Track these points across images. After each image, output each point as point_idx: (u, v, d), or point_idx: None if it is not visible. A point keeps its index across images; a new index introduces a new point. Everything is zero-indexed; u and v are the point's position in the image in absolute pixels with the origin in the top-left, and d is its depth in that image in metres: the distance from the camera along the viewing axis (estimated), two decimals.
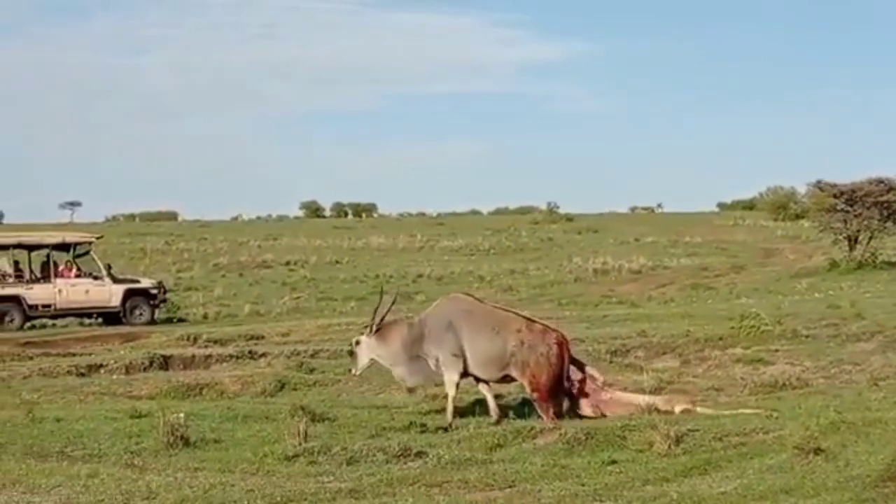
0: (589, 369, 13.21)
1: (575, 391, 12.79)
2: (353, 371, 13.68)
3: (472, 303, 13.23)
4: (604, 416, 12.58)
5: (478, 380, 12.88)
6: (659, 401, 12.83)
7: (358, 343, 13.39)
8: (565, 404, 12.79)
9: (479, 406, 13.14)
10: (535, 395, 12.49)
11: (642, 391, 13.90)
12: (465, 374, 12.74)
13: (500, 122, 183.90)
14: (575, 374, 12.84)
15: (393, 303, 13.46)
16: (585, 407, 12.76)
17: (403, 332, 13.03)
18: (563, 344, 12.74)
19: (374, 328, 13.12)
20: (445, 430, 12.09)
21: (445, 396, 12.78)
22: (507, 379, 12.93)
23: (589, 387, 12.91)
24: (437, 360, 12.79)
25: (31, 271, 28.31)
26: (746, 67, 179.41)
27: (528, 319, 13.14)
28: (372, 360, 13.27)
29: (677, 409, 12.64)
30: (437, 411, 13.03)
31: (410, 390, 14.10)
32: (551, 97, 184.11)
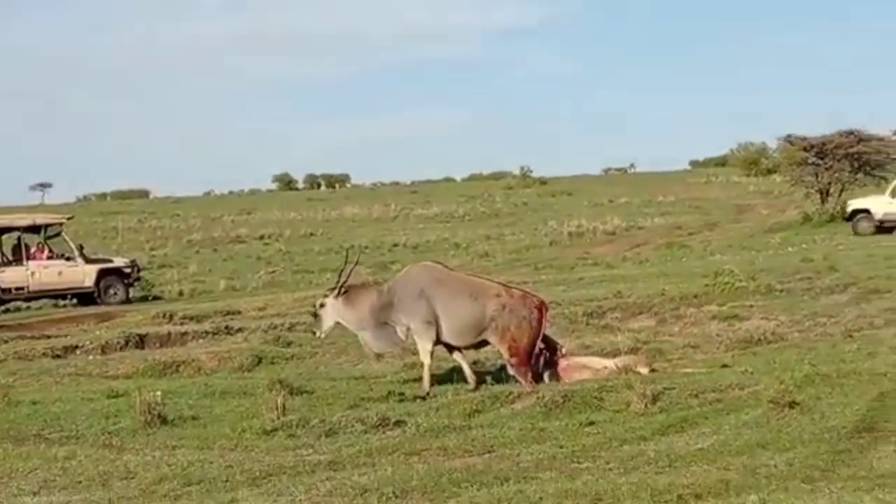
0: (552, 337, 13.18)
1: (546, 360, 12.74)
2: (318, 334, 13.52)
3: (442, 271, 13.18)
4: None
5: (449, 348, 12.86)
6: (616, 364, 12.78)
7: (323, 305, 13.20)
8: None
9: (457, 373, 13.14)
10: (514, 360, 12.44)
11: (600, 355, 13.92)
12: (437, 342, 12.73)
13: (472, 88, 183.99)
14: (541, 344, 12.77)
15: (355, 264, 13.36)
16: (548, 376, 12.67)
17: (372, 298, 12.90)
18: (542, 308, 12.73)
19: (340, 290, 13.06)
20: (423, 398, 12.08)
21: (420, 365, 12.76)
22: (480, 345, 12.94)
23: (551, 356, 12.86)
24: (408, 329, 12.72)
25: (3, 254, 28.14)
26: (715, 26, 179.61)
27: (504, 285, 13.14)
28: (337, 322, 13.14)
29: (642, 370, 12.59)
30: (415, 380, 13.00)
31: (376, 356, 14.03)
32: (522, 61, 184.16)
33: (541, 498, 7.41)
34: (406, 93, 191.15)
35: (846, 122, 58.94)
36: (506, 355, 12.59)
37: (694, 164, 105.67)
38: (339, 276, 13.16)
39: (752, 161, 76.02)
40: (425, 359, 12.63)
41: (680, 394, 10.70)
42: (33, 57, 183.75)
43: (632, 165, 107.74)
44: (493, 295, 12.64)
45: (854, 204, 36.89)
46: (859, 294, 18.93)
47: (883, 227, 35.08)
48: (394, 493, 7.83)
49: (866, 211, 35.99)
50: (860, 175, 41.57)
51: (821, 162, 41.47)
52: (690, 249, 35.92)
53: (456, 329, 12.63)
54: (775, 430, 9.13)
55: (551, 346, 12.87)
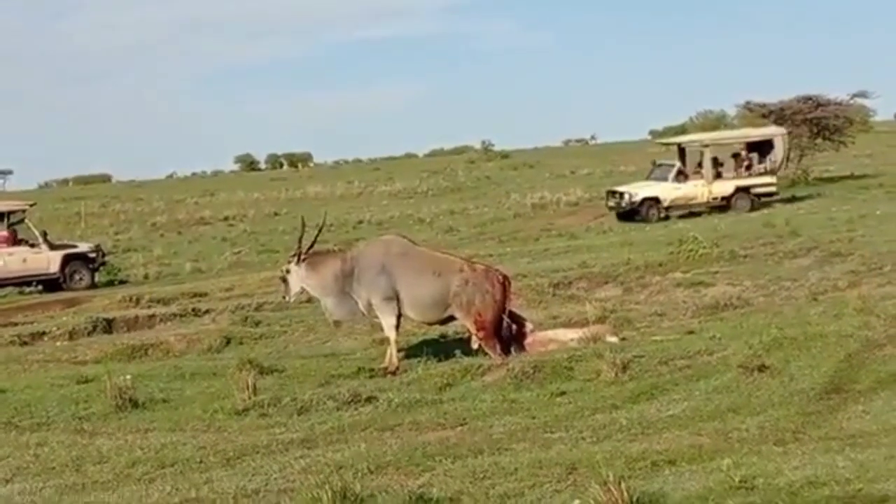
0: (519, 313, 13.20)
1: (513, 333, 12.73)
2: (286, 298, 13.49)
3: (406, 244, 13.14)
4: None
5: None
6: (580, 334, 12.81)
7: (288, 272, 13.24)
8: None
9: (426, 347, 13.18)
10: (482, 333, 12.43)
11: (567, 325, 13.98)
12: (399, 315, 12.68)
13: (430, 63, 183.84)
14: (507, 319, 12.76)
15: (319, 232, 13.41)
16: (515, 349, 12.66)
17: (336, 266, 12.88)
18: (506, 283, 12.74)
19: (300, 257, 13.02)
20: (394, 374, 12.09)
21: (387, 341, 12.74)
22: (446, 321, 12.95)
23: (519, 329, 12.87)
24: (369, 304, 12.70)
25: None
26: None
27: (467, 260, 13.14)
28: (303, 288, 13.16)
29: (610, 340, 12.61)
30: (383, 356, 13.02)
31: (336, 324, 13.98)
32: (480, 35, 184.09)
33: (516, 469, 7.46)
34: (366, 70, 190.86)
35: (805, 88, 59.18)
36: (472, 329, 12.57)
37: (654, 133, 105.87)
38: (298, 242, 13.15)
39: (712, 128, 76.19)
40: (390, 333, 12.61)
41: (649, 361, 10.77)
42: None
43: (592, 137, 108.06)
44: (457, 270, 12.62)
45: (642, 192, 34.46)
46: (822, 257, 19.11)
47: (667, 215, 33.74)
48: (368, 468, 7.86)
49: (655, 199, 33.97)
50: (819, 140, 41.72)
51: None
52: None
53: (419, 305, 12.60)
54: (745, 394, 9.23)
55: (518, 321, 12.88)
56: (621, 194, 34.83)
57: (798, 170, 40.82)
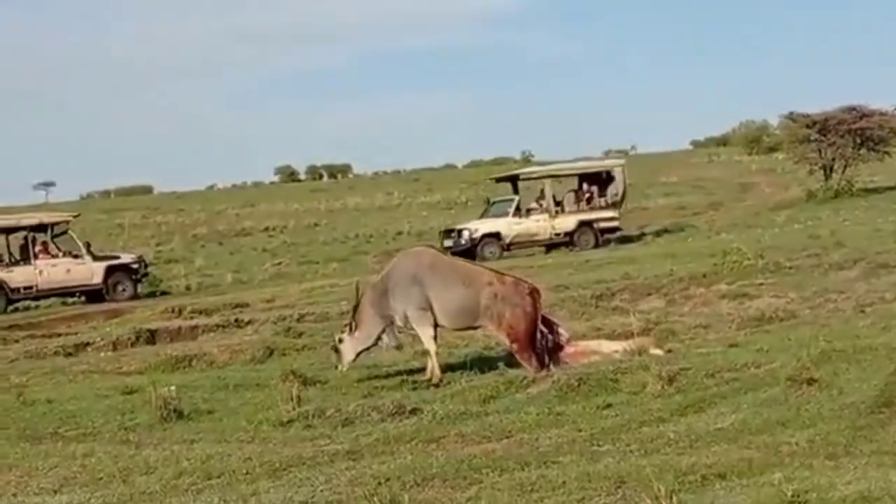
0: (554, 325, 13.09)
1: (549, 345, 12.62)
2: (340, 368, 12.96)
3: (435, 255, 13.13)
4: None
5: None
6: (623, 346, 12.73)
7: (341, 341, 12.92)
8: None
9: (470, 360, 13.13)
10: (516, 346, 12.34)
11: (612, 337, 13.89)
12: (436, 325, 12.57)
13: (470, 74, 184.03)
14: (544, 329, 12.67)
15: (357, 295, 13.05)
16: (558, 361, 12.56)
17: (370, 298, 12.79)
18: (535, 294, 12.66)
19: (353, 326, 12.82)
20: (437, 385, 12.03)
21: (427, 353, 12.68)
22: (473, 327, 12.91)
23: (554, 341, 12.78)
24: (405, 316, 12.63)
25: (10, 254, 28.13)
26: (713, 3, 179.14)
27: (496, 272, 13.06)
28: (358, 353, 12.87)
29: (654, 352, 12.52)
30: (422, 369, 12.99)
31: (398, 348, 13.80)
32: (521, 46, 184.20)
33: (564, 482, 7.39)
34: (406, 81, 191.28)
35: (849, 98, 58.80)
36: (506, 343, 12.53)
37: (695, 143, 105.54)
38: (353, 311, 12.96)
39: (754, 139, 75.94)
40: (430, 345, 12.55)
41: (696, 374, 10.66)
42: (35, 55, 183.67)
43: (633, 147, 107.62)
44: (486, 283, 12.56)
45: (482, 228, 32.55)
46: (868, 269, 18.90)
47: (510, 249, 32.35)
48: (415, 481, 7.81)
49: (496, 235, 32.24)
50: (863, 151, 41.43)
51: (823, 138, 41.32)
52: (696, 229, 35.87)
53: (450, 314, 12.54)
54: (794, 407, 9.11)
55: (553, 331, 12.77)
56: (459, 232, 32.73)
57: (842, 181, 40.53)
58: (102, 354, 17.11)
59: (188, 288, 30.19)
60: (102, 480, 8.74)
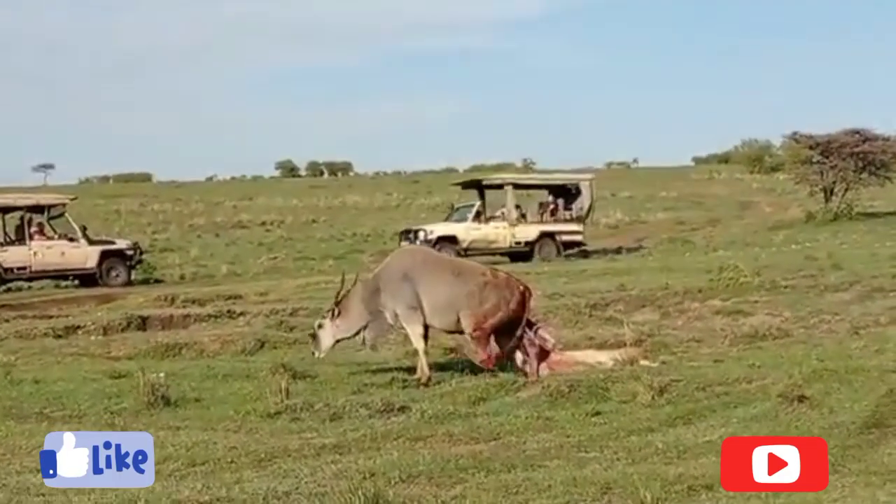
0: (541, 331, 13.04)
1: (532, 350, 12.54)
2: (316, 354, 13.07)
3: (427, 253, 13.21)
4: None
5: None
6: (610, 357, 12.69)
7: (321, 326, 12.98)
8: (519, 361, 12.59)
9: (460, 361, 13.11)
10: (477, 332, 12.32)
11: (604, 347, 13.86)
12: (426, 325, 12.57)
13: (475, 79, 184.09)
14: (530, 335, 12.59)
15: (342, 282, 13.06)
16: (542, 369, 12.50)
17: (360, 293, 12.83)
18: (526, 294, 12.60)
19: (336, 312, 12.85)
20: (426, 385, 12.01)
21: (416, 353, 12.67)
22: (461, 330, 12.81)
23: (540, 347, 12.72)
24: (395, 315, 12.63)
25: (6, 234, 28.07)
26: (721, 20, 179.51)
27: (491, 268, 13.07)
28: (336, 341, 12.94)
29: (643, 363, 12.48)
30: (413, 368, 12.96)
31: (373, 348, 13.68)
32: (527, 53, 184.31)
33: (549, 486, 7.35)
34: (410, 83, 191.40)
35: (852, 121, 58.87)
36: (468, 328, 12.42)
37: (697, 160, 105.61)
38: (336, 297, 12.99)
39: (756, 158, 76.01)
40: (419, 344, 12.53)
41: (687, 386, 10.66)
42: (38, 39, 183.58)
43: (635, 160, 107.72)
44: (478, 273, 12.67)
45: (437, 231, 31.91)
46: (864, 292, 18.84)
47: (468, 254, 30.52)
48: (400, 477, 7.77)
49: (452, 238, 31.54)
50: (864, 175, 41.41)
51: (825, 160, 41.30)
52: (693, 245, 35.85)
53: (438, 309, 12.48)
54: (784, 423, 9.09)
55: (541, 338, 12.69)
56: (415, 233, 32.17)
57: (842, 204, 40.52)
58: (92, 338, 17.04)
59: (182, 277, 30.12)
60: None
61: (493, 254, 32.12)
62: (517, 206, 33.03)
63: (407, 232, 33.02)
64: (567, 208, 33.54)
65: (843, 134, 41.54)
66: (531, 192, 36.07)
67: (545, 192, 35.09)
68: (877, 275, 20.60)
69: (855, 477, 7.41)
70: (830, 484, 7.17)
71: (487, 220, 32.48)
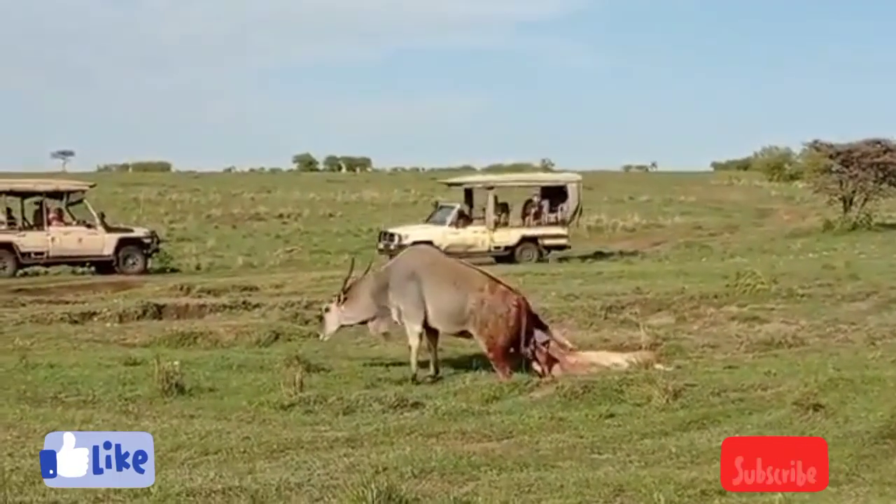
0: (555, 334, 13.06)
1: (541, 356, 12.58)
2: (322, 337, 13.73)
3: (435, 254, 13.34)
4: None
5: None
6: (625, 359, 12.68)
7: (328, 310, 13.41)
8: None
9: (474, 360, 13.11)
10: (492, 354, 12.52)
11: (618, 349, 13.84)
12: (426, 325, 12.73)
13: (496, 78, 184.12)
14: (540, 338, 12.62)
15: (351, 269, 13.46)
16: (556, 371, 12.51)
17: (371, 285, 13.08)
18: (521, 307, 12.65)
19: (342, 297, 13.19)
20: (414, 380, 12.21)
21: (409, 347, 12.75)
22: (464, 334, 12.97)
23: (556, 351, 12.74)
24: (399, 311, 12.82)
25: (24, 219, 28.15)
26: (744, 25, 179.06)
27: (492, 279, 13.05)
28: (341, 326, 13.39)
29: (658, 367, 12.46)
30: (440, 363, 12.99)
31: (385, 336, 13.80)
32: (548, 53, 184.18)
33: (562, 486, 7.35)
34: (431, 80, 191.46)
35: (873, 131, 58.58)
36: (484, 349, 12.66)
37: (716, 165, 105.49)
38: (344, 283, 13.29)
39: (776, 166, 75.86)
40: (413, 340, 12.69)
41: (702, 391, 10.63)
42: (60, 27, 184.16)
43: (653, 164, 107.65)
44: (476, 288, 12.68)
45: (413, 235, 30.47)
46: (881, 303, 18.77)
47: None
48: (412, 472, 7.79)
49: (429, 243, 28.50)
50: (884, 185, 41.23)
51: (845, 170, 41.13)
52: (710, 250, 35.73)
53: (441, 315, 12.70)
54: (798, 431, 9.05)
55: (547, 340, 12.69)
56: (391, 235, 31.12)
57: (861, 213, 40.37)
58: (108, 325, 17.09)
59: (198, 267, 30.17)
60: None
61: (470, 258, 31.64)
62: (503, 206, 32.18)
63: (385, 234, 32.04)
64: (553, 210, 32.56)
65: (864, 144, 41.36)
66: (517, 191, 35.26)
67: (533, 190, 34.05)
68: (894, 285, 20.50)
69: (869, 486, 7.39)
70: (845, 492, 7.18)
71: (469, 222, 31.61)
